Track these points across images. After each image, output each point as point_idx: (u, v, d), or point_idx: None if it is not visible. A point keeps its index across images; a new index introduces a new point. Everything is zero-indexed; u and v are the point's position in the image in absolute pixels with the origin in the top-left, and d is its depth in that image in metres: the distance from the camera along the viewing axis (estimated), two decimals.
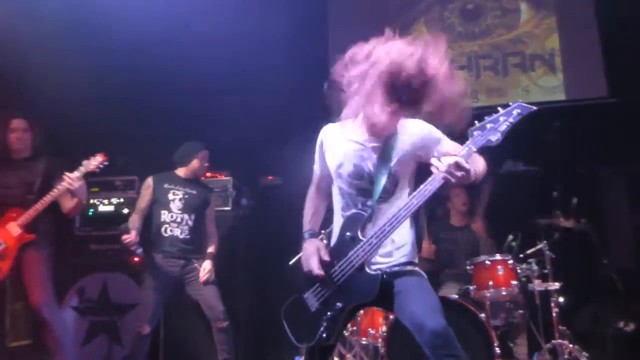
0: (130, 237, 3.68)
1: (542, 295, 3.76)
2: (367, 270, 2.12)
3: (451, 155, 2.00)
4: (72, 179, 3.28)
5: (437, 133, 2.23)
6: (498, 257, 3.73)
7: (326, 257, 2.22)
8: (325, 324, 2.17)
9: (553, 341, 3.61)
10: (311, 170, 2.49)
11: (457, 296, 3.64)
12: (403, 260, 2.23)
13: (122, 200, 4.75)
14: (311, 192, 2.47)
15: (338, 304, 2.16)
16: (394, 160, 2.20)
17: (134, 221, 3.87)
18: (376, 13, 5.58)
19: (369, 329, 3.89)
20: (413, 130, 2.24)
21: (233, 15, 4.80)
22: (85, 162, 3.43)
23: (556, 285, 3.69)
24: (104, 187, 4.75)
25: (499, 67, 5.25)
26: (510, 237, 3.91)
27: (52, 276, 3.40)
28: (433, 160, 2.01)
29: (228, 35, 4.88)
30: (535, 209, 4.05)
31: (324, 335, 2.17)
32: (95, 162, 3.45)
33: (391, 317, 3.71)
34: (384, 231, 2.09)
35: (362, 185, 2.24)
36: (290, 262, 4.27)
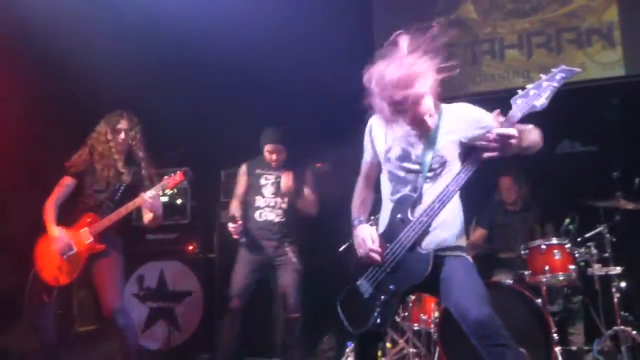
0: (237, 225, 3.71)
1: (602, 280, 3.63)
2: (418, 249, 2.14)
3: (494, 129, 2.04)
4: (147, 197, 3.24)
5: (481, 113, 2.26)
6: (554, 241, 3.62)
7: (378, 242, 2.24)
8: (378, 309, 2.19)
9: (615, 327, 3.48)
10: (355, 156, 2.54)
11: (511, 281, 3.56)
12: (453, 242, 2.24)
13: (175, 190, 4.86)
14: (360, 182, 2.51)
15: (391, 287, 2.18)
16: (440, 141, 2.24)
17: (236, 208, 3.88)
18: None
19: (421, 315, 3.87)
20: (457, 112, 2.29)
21: (277, 6, 4.81)
22: (165, 179, 3.38)
23: (617, 269, 3.55)
24: (157, 179, 4.89)
25: (552, 45, 5.03)
26: (567, 220, 3.77)
27: (123, 281, 3.37)
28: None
29: (275, 30, 4.90)
30: (594, 191, 3.89)
31: (378, 320, 2.19)
32: (174, 181, 3.38)
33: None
34: (434, 209, 2.12)
35: (410, 167, 2.27)
36: (341, 249, 4.30)
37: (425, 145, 2.26)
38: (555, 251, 3.56)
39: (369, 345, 2.37)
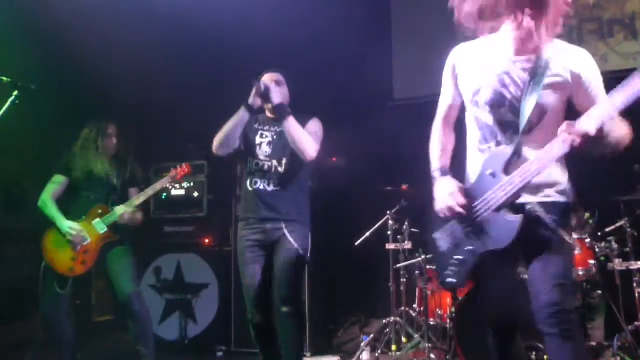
0: None
1: (623, 275, 3.56)
2: (506, 214, 1.87)
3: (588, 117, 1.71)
4: (158, 188, 3.62)
5: (595, 72, 1.91)
6: (574, 235, 3.55)
7: (461, 196, 1.99)
8: (453, 268, 2.02)
9: (636, 323, 3.42)
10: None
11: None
12: (557, 197, 1.92)
13: (192, 184, 4.93)
14: (438, 125, 2.18)
15: (469, 247, 1.97)
16: (544, 86, 1.86)
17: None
18: None
19: (437, 310, 3.84)
20: (573, 56, 1.91)
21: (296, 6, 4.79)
22: (172, 171, 3.71)
23: (639, 264, 3.48)
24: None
25: (573, 35, 4.93)
26: (587, 214, 3.70)
27: (136, 268, 3.53)
28: (564, 126, 1.74)
29: (294, 26, 4.88)
30: (615, 185, 3.80)
31: (450, 279, 2.03)
32: (182, 172, 3.72)
33: (460, 297, 3.65)
34: (530, 171, 1.82)
35: (502, 115, 1.93)
36: (357, 243, 4.30)
37: (525, 87, 1.88)
38: (575, 245, 3.50)
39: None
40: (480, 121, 2.00)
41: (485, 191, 1.93)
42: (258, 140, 2.98)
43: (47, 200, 3.44)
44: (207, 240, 4.84)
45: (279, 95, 2.89)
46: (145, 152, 5.11)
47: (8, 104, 2.61)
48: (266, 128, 3.02)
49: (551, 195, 1.92)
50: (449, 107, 2.16)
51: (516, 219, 1.85)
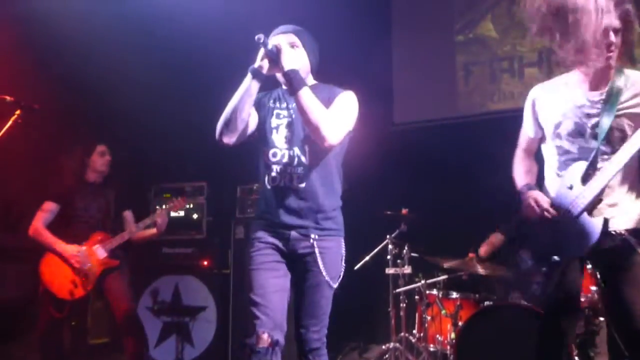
0: None
1: None
2: (586, 217, 2.00)
3: None
4: (161, 218, 3.72)
5: None
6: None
7: (546, 203, 2.14)
8: (540, 280, 2.12)
9: None
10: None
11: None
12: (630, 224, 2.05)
13: (191, 206, 4.92)
14: (520, 155, 2.39)
15: (554, 257, 2.08)
16: (619, 112, 2.05)
17: None
18: (441, 10, 5.48)
19: (437, 336, 3.79)
20: (634, 78, 2.09)
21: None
22: (173, 200, 3.87)
23: None
24: (175, 193, 4.93)
25: None
26: None
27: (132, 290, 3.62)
28: None
29: None
30: None
31: (538, 293, 2.13)
32: (178, 204, 3.87)
33: (460, 323, 3.60)
34: (605, 173, 1.98)
35: (583, 143, 2.12)
36: (356, 267, 4.26)
37: (602, 112, 2.06)
38: None
39: (557, 319, 2.21)
40: (562, 149, 2.19)
41: (566, 203, 2.08)
42: (274, 122, 2.27)
43: (40, 229, 3.48)
44: (205, 263, 4.81)
45: (292, 59, 2.14)
46: (146, 173, 5.14)
47: (10, 122, 2.63)
48: (283, 106, 2.29)
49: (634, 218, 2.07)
50: (530, 140, 2.35)
51: (598, 219, 1.98)
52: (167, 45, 4.88)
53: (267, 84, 2.27)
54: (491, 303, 3.67)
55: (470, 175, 4.48)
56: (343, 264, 2.26)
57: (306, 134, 2.18)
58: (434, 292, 3.94)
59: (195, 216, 4.90)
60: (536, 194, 2.19)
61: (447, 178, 4.80)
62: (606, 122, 2.02)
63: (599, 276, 2.14)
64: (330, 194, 2.24)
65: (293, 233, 2.17)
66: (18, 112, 2.67)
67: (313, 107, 2.08)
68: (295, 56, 2.22)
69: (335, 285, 2.21)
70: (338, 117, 2.15)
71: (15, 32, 4.40)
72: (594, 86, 2.12)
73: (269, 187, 2.22)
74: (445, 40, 5.45)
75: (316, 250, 2.15)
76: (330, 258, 2.19)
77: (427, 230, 4.37)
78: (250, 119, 2.24)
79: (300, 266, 2.19)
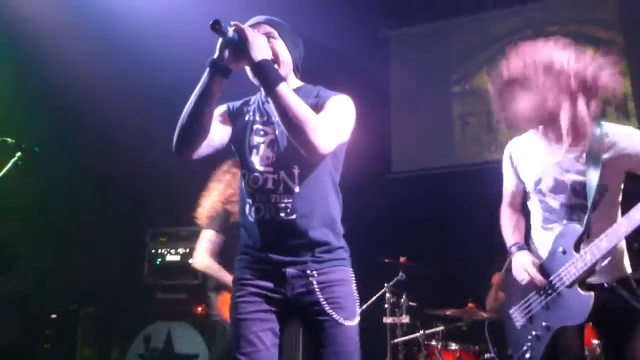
0: None
1: None
2: (578, 289, 1.97)
3: None
4: None
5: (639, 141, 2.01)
6: None
7: (538, 270, 2.08)
8: (529, 344, 2.09)
9: None
10: None
11: None
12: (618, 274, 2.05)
13: (187, 250, 4.87)
14: (505, 211, 2.34)
15: (544, 322, 2.06)
16: (600, 168, 1.99)
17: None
18: (438, 61, 5.62)
19: None
20: (618, 135, 2.03)
21: None
22: None
23: None
24: (171, 237, 4.90)
25: None
26: None
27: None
28: None
29: None
30: None
31: (527, 355, 2.09)
32: None
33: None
34: (599, 247, 1.92)
35: (567, 199, 2.08)
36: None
37: (584, 170, 2.01)
38: None
39: None
40: (546, 204, 2.14)
41: (558, 267, 2.03)
42: (254, 140, 1.83)
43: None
44: (199, 309, 4.73)
45: (262, 48, 1.66)
46: (142, 216, 5.12)
47: (10, 164, 2.64)
48: (265, 119, 1.84)
49: (624, 271, 2.06)
50: (513, 194, 2.31)
51: (589, 294, 1.94)
52: (165, 87, 4.97)
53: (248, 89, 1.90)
54: (491, 355, 3.59)
55: (468, 223, 4.47)
56: (356, 296, 1.82)
57: (293, 151, 1.70)
58: (433, 342, 3.86)
59: (190, 261, 4.85)
60: (525, 260, 2.13)
61: (445, 226, 4.80)
62: (593, 179, 1.99)
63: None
64: (329, 224, 1.80)
65: (289, 270, 1.75)
66: (19, 154, 2.68)
67: (295, 106, 1.60)
68: (271, 46, 1.76)
69: (354, 322, 1.76)
70: (329, 120, 1.70)
71: (15, 74, 4.48)
72: (572, 141, 2.06)
73: (251, 219, 1.79)
74: (442, 90, 5.57)
75: (315, 287, 1.72)
76: (338, 291, 1.75)
77: (425, 279, 4.32)
78: (219, 128, 1.82)
79: (305, 312, 1.75)
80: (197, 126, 1.71)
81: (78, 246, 4.70)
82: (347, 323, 1.73)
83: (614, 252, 2.00)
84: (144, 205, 5.16)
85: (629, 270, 2.09)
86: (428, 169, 5.42)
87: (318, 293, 1.72)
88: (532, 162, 2.17)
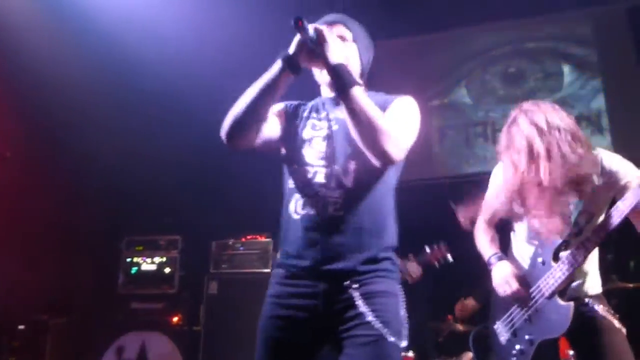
0: None
1: None
2: (559, 299, 1.99)
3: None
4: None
5: (628, 171, 2.04)
6: None
7: (519, 282, 2.08)
8: (514, 358, 2.08)
9: None
10: None
11: None
12: (590, 291, 2.08)
13: (164, 259, 4.79)
14: (481, 226, 2.33)
15: (527, 336, 2.06)
16: (594, 198, 2.03)
17: None
18: (418, 76, 5.68)
19: None
20: (609, 162, 2.07)
21: None
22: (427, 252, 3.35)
23: None
24: (148, 246, 4.82)
25: None
26: None
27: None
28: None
29: None
30: None
31: None
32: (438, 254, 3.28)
33: None
34: (575, 255, 1.96)
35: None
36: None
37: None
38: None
39: None
40: (523, 219, 2.17)
41: (538, 279, 2.06)
42: (307, 133, 1.77)
43: None
44: (175, 319, 4.63)
45: (340, 51, 1.64)
46: (118, 224, 5.02)
47: None
48: (322, 116, 1.79)
49: (597, 288, 2.10)
50: (494, 210, 2.28)
51: (568, 305, 1.96)
52: (147, 97, 4.92)
53: (306, 94, 1.88)
54: None
55: (445, 236, 4.50)
56: (405, 314, 1.64)
57: (351, 148, 1.65)
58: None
59: (167, 270, 4.77)
60: (506, 271, 2.13)
61: (423, 239, 4.82)
62: (576, 209, 2.03)
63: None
64: (381, 231, 1.66)
65: (325, 284, 1.59)
66: None
67: (370, 110, 1.54)
68: (345, 50, 1.73)
69: (402, 344, 1.56)
70: (400, 127, 1.64)
71: None
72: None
73: (295, 216, 1.66)
74: (420, 104, 5.62)
75: (357, 297, 1.55)
76: (383, 303, 1.58)
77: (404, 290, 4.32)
78: (273, 123, 1.76)
79: (342, 331, 1.56)
80: (254, 116, 1.66)
81: (49, 254, 4.58)
82: (392, 339, 1.53)
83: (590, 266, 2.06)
84: (119, 213, 5.06)
85: (599, 287, 2.14)
86: (406, 182, 5.43)
87: (360, 305, 1.55)
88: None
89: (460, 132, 5.43)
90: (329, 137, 1.72)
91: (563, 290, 2.01)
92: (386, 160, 1.58)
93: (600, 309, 2.04)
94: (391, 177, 1.76)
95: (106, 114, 4.74)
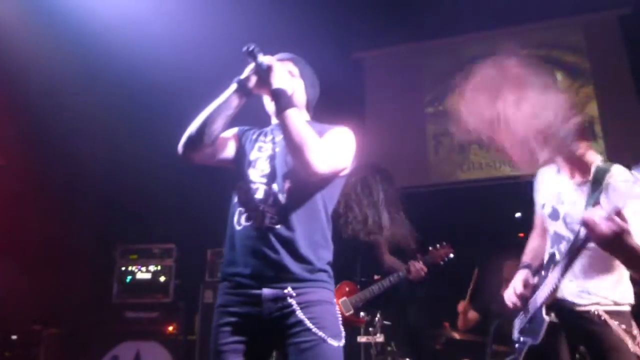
0: None
1: None
2: (542, 311, 2.09)
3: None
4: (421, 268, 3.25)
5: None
6: None
7: (523, 290, 2.23)
8: (515, 355, 2.22)
9: None
10: None
11: None
12: (595, 307, 2.06)
13: (159, 268, 4.77)
14: (533, 233, 2.46)
15: (522, 338, 2.19)
16: (590, 206, 2.01)
17: None
18: (412, 83, 5.72)
19: None
20: (616, 178, 2.05)
21: None
22: (432, 252, 3.46)
23: None
24: (142, 255, 4.80)
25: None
26: None
27: None
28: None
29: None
30: None
31: None
32: (442, 254, 3.38)
33: None
34: (561, 267, 2.02)
35: (558, 227, 2.19)
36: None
37: (576, 205, 2.09)
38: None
39: None
40: (549, 229, 2.27)
41: (536, 290, 2.19)
42: (253, 155, 1.96)
43: None
44: (170, 328, 4.61)
45: (284, 79, 1.86)
46: (112, 233, 5.00)
47: None
48: (268, 139, 1.99)
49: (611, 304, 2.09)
50: (538, 216, 2.42)
51: (544, 318, 2.05)
52: (141, 104, 4.92)
53: (259, 122, 2.08)
54: None
55: (442, 242, 4.51)
56: (339, 317, 1.79)
57: (288, 169, 1.85)
58: None
59: (162, 279, 4.74)
60: (516, 279, 2.28)
61: (420, 245, 4.83)
62: (575, 213, 2.06)
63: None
64: (315, 245, 1.80)
65: (265, 291, 1.73)
66: None
67: (300, 127, 1.75)
68: (291, 83, 1.95)
69: (340, 343, 1.72)
70: (329, 145, 1.82)
71: None
72: (571, 174, 2.19)
73: (238, 227, 1.84)
74: (416, 111, 5.66)
75: (295, 307, 1.70)
76: (320, 310, 1.73)
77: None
78: (226, 143, 1.97)
79: (285, 336, 1.71)
80: (208, 131, 1.83)
81: (42, 263, 4.54)
82: (332, 342, 1.70)
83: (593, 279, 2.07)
84: (113, 222, 5.04)
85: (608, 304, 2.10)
86: (402, 188, 5.46)
87: (299, 312, 1.70)
88: (543, 188, 2.33)
89: (454, 139, 5.45)
90: (272, 158, 1.92)
91: (551, 304, 2.09)
92: (310, 171, 1.74)
93: (615, 325, 2.01)
94: (327, 202, 1.90)
95: (100, 123, 4.72)
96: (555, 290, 2.05)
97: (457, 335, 3.78)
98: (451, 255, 3.49)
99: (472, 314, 4.29)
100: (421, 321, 4.04)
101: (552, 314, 2.07)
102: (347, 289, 3.19)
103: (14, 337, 4.41)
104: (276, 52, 2.02)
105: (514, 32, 5.52)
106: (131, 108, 4.89)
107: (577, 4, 5.00)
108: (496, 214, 4.58)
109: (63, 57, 4.52)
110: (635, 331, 2.01)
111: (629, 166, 2.01)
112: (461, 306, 4.25)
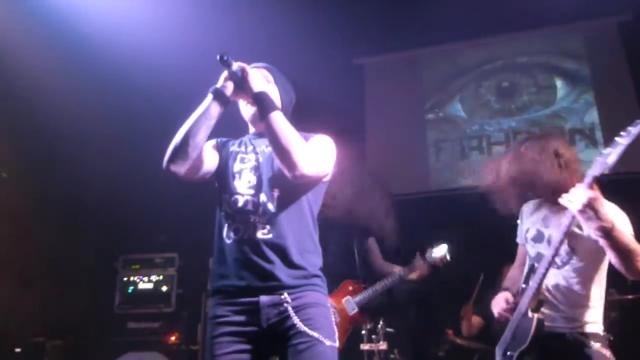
0: None
1: None
2: (528, 314, 2.13)
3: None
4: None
5: (625, 225, 2.09)
6: None
7: (506, 305, 2.27)
8: None
9: None
10: None
11: None
12: (585, 329, 2.11)
13: (161, 277, 4.77)
14: (515, 262, 2.51)
15: (509, 352, 2.20)
16: (574, 234, 2.14)
17: None
18: (412, 90, 5.73)
19: None
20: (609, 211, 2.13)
21: None
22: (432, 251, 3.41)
23: None
24: (144, 264, 4.80)
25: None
26: None
27: None
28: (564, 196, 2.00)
29: None
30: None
31: None
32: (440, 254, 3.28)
33: None
34: (539, 273, 2.10)
35: (540, 248, 2.25)
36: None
37: (561, 227, 2.11)
38: None
39: None
40: (530, 253, 2.33)
41: (519, 300, 2.25)
42: (237, 166, 1.95)
43: None
44: (173, 338, 4.61)
45: (261, 83, 1.91)
46: (114, 243, 5.01)
47: None
48: (250, 149, 1.99)
49: (588, 327, 2.13)
50: (520, 247, 2.48)
51: (532, 317, 2.10)
52: (142, 114, 4.93)
53: (235, 132, 2.09)
54: None
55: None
56: (333, 320, 1.85)
57: (275, 177, 1.87)
58: None
59: (164, 288, 4.75)
60: (500, 295, 2.35)
61: (422, 251, 4.83)
62: (559, 239, 2.08)
63: None
64: (306, 251, 1.85)
65: (262, 298, 1.76)
66: None
67: (286, 130, 1.78)
68: (268, 88, 1.97)
69: (335, 344, 1.77)
70: (312, 148, 1.86)
71: None
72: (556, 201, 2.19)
73: (228, 241, 1.84)
74: (416, 117, 5.67)
75: (290, 312, 1.74)
76: (314, 312, 1.77)
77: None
78: (208, 156, 1.96)
79: (282, 340, 1.75)
80: (192, 143, 1.84)
81: (45, 274, 4.55)
82: (327, 342, 1.74)
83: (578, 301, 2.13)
84: (115, 233, 5.04)
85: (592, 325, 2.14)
86: (403, 195, 5.47)
87: (293, 316, 1.74)
88: (529, 215, 2.39)
89: (455, 145, 5.46)
90: (256, 169, 1.93)
91: (535, 308, 2.13)
92: (297, 172, 1.76)
93: (594, 346, 2.08)
94: (312, 206, 1.95)
95: (101, 134, 4.74)
96: (539, 287, 2.12)
97: (460, 342, 3.77)
98: (447, 257, 3.49)
99: (476, 319, 4.29)
100: (424, 328, 4.04)
101: (539, 314, 2.12)
102: (350, 287, 3.18)
103: (18, 349, 4.40)
104: (276, 60, 2.08)
105: (513, 39, 5.55)
106: (132, 118, 4.91)
107: (576, 11, 5.00)
108: (497, 221, 4.58)
109: (67, 71, 4.55)
110: (608, 354, 2.09)
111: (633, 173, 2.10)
112: (465, 310, 4.25)
